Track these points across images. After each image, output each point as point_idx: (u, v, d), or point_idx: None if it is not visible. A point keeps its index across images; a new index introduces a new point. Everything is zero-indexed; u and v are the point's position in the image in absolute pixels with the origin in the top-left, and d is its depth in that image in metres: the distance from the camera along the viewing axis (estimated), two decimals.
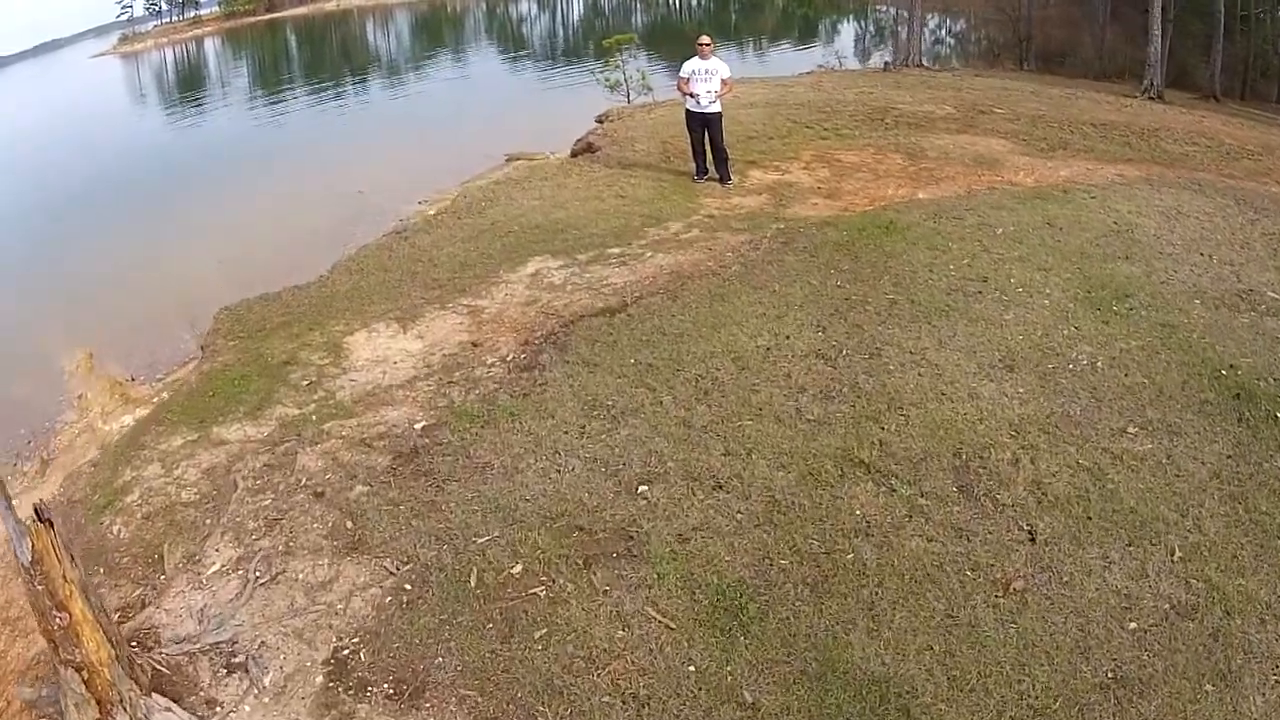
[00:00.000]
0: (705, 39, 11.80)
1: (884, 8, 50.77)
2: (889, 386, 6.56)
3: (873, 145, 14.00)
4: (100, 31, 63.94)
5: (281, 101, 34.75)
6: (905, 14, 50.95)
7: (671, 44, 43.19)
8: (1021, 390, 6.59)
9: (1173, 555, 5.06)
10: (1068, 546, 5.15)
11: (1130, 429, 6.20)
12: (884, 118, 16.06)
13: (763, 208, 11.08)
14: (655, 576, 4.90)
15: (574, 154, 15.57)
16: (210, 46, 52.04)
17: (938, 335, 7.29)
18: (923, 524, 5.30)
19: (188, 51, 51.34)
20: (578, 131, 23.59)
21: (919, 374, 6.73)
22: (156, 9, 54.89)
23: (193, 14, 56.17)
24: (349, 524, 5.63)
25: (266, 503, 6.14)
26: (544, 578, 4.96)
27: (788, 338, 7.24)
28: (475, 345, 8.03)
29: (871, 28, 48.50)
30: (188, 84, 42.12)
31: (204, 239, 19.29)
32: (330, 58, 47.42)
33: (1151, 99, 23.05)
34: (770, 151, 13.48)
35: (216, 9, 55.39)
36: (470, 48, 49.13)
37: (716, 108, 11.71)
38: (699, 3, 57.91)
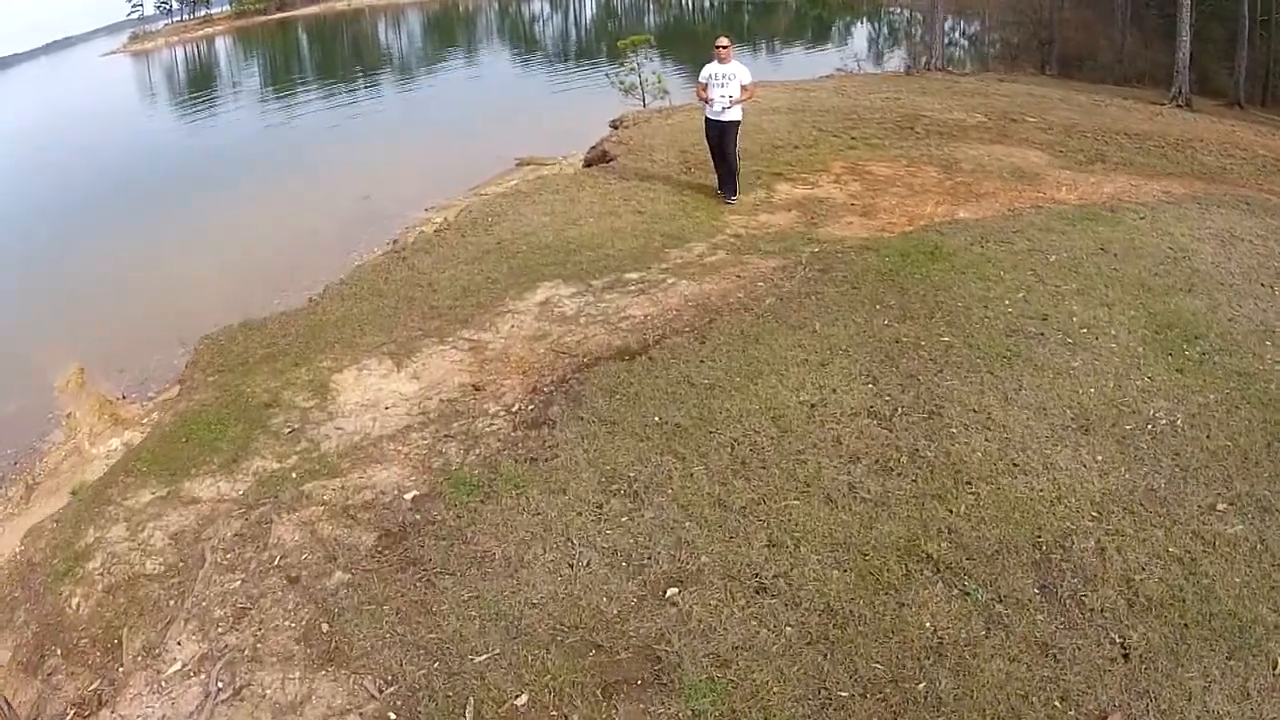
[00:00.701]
0: (723, 41, 10.81)
1: (897, 9, 49.75)
2: (953, 455, 5.57)
3: (905, 156, 12.99)
4: (112, 30, 63.14)
5: (291, 102, 33.88)
6: (921, 16, 50.11)
7: (686, 45, 42.25)
8: (1100, 458, 5.61)
9: (1275, 669, 4.18)
10: (1165, 664, 4.21)
11: (1219, 505, 5.27)
12: (914, 126, 15.06)
13: (793, 226, 10.09)
14: (690, 714, 3.93)
15: (588, 163, 14.60)
16: (221, 46, 51.13)
17: (1002, 388, 6.31)
18: (1003, 639, 4.33)
19: (198, 50, 50.46)
20: (591, 135, 22.66)
21: (986, 438, 5.75)
22: (167, 8, 54.10)
23: (203, 13, 55.23)
24: (325, 625, 4.69)
25: (235, 585, 5.22)
26: (555, 712, 4.00)
27: (834, 391, 6.26)
28: (477, 389, 7.07)
29: (885, 29, 47.40)
30: (197, 84, 41.28)
31: (205, 244, 18.60)
32: (341, 58, 46.51)
33: (1180, 106, 22.02)
34: (797, 163, 12.47)
35: (227, 8, 54.44)
36: (482, 47, 48.17)
37: (734, 115, 10.73)
38: (712, 3, 56.76)
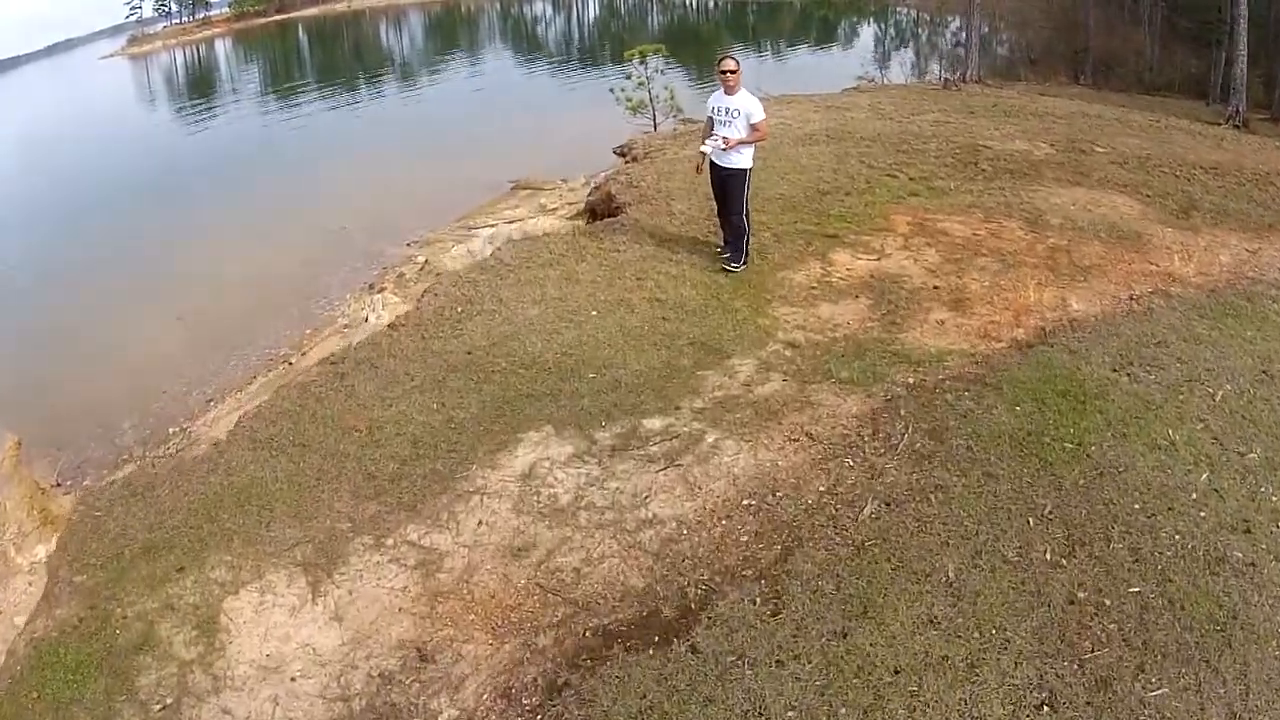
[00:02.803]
0: (728, 64, 7.80)
1: (904, 9, 46.57)
2: None
3: (978, 206, 9.96)
4: (115, 31, 59.38)
5: (281, 113, 30.70)
6: (928, 17, 46.84)
7: (692, 49, 38.93)
8: None
9: None
10: None
11: None
12: (976, 160, 11.99)
13: (866, 326, 7.09)
14: None
15: (590, 212, 11.53)
16: (219, 49, 47.61)
17: (1225, 695, 3.38)
18: None
19: (197, 54, 46.91)
20: (593, 153, 19.56)
21: None
22: (166, 10, 50.20)
23: (202, 14, 51.67)
24: None
25: None
26: None
27: None
28: (423, 656, 4.19)
29: (893, 30, 44.17)
30: (190, 91, 38.00)
31: (168, 283, 15.79)
32: (338, 64, 43.16)
33: (1237, 128, 19.00)
34: (853, 216, 9.43)
35: (226, 10, 50.84)
36: (484, 51, 44.80)
37: (738, 161, 7.83)
38: (716, 3, 53.24)
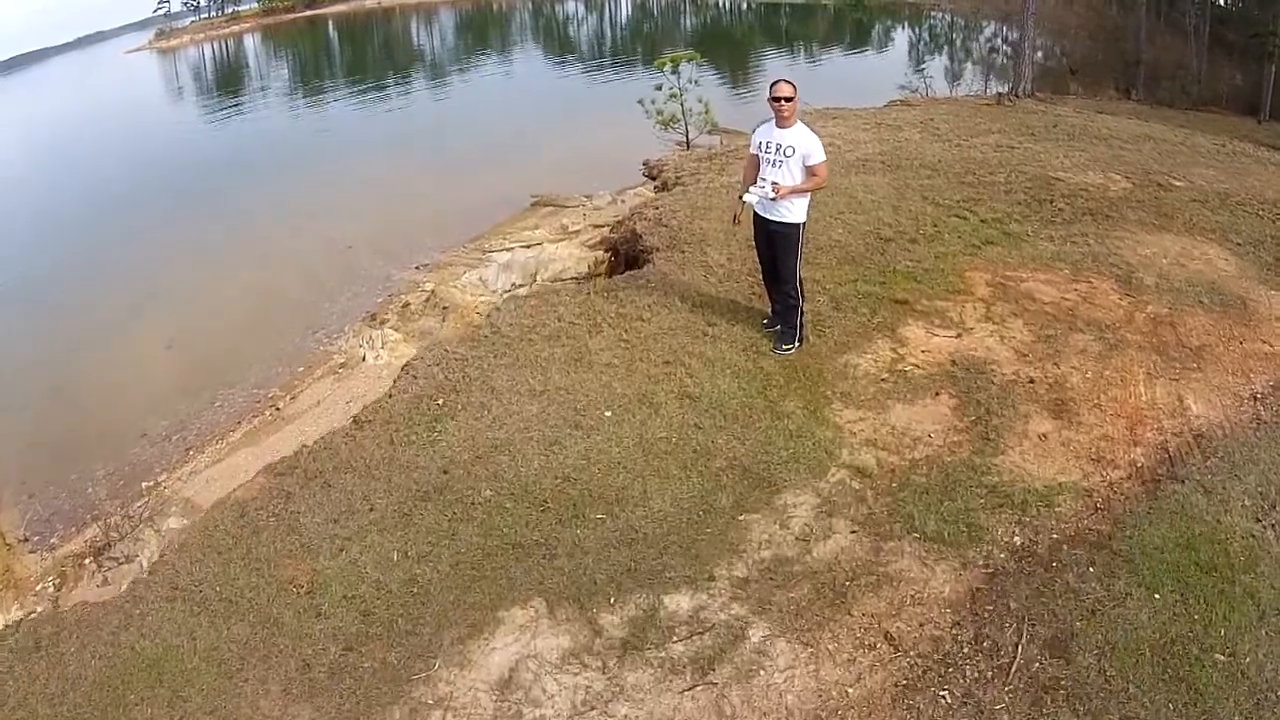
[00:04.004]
0: (784, 90, 6.00)
1: (938, 13, 44.35)
2: None
3: (1064, 260, 8.25)
4: (144, 25, 57.94)
5: (303, 114, 29.31)
6: (963, 21, 44.56)
7: (725, 51, 37.06)
8: None
9: None
10: None
11: None
12: (1051, 197, 10.23)
13: (953, 442, 5.40)
14: None
15: (612, 250, 9.85)
16: (247, 45, 46.29)
17: None
18: None
19: (225, 49, 45.65)
20: (620, 166, 17.83)
21: None
22: (194, 5, 48.68)
23: (231, 10, 50.34)
24: None
25: None
26: None
27: None
28: None
29: (927, 35, 42.03)
30: (213, 88, 36.69)
31: (163, 303, 14.50)
32: (365, 63, 41.69)
33: None
34: (923, 274, 7.74)
35: (255, 5, 49.27)
36: (514, 51, 43.10)
37: (789, 214, 6.12)
38: (749, 5, 51.14)
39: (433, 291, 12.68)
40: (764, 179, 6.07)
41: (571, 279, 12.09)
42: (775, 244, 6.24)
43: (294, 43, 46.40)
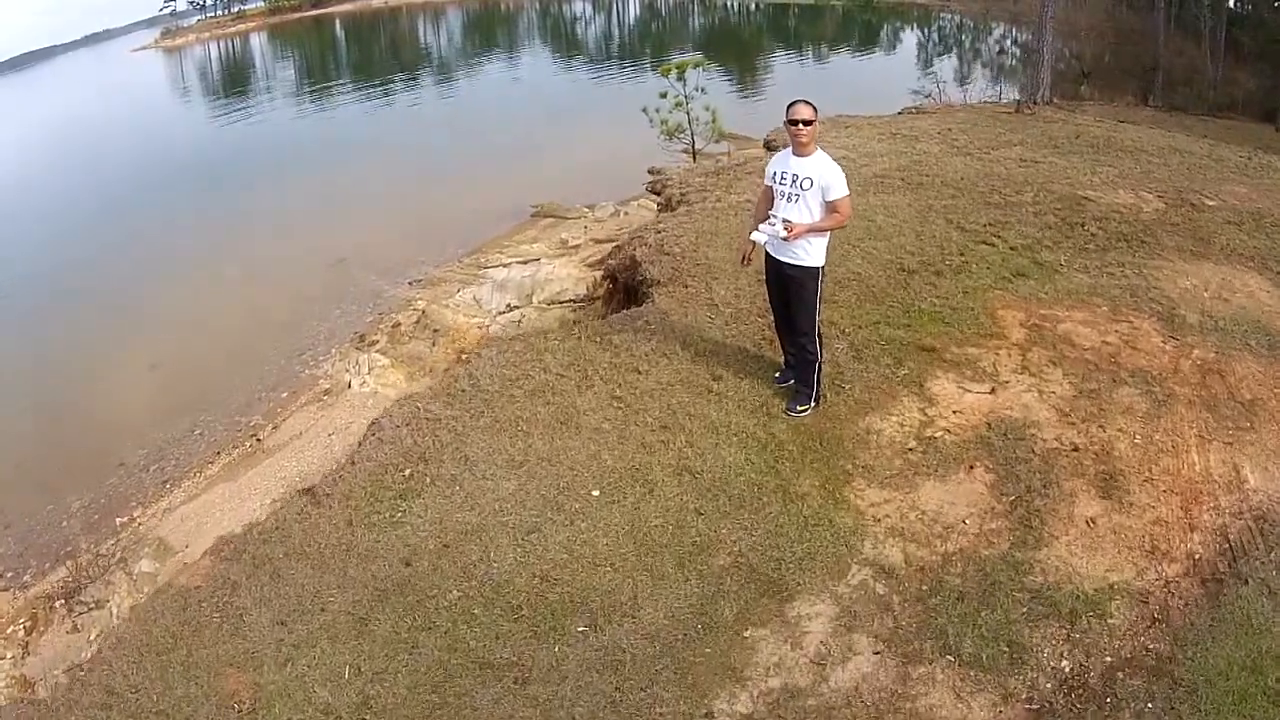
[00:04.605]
0: (803, 113, 5.13)
1: (947, 15, 43.40)
2: None
3: (1101, 294, 7.50)
4: (152, 23, 57.05)
5: (304, 116, 28.57)
6: (971, 23, 43.51)
7: (734, 51, 36.19)
8: None
9: None
10: None
11: None
12: (1082, 220, 9.43)
13: (990, 532, 4.67)
14: None
15: (610, 282, 9.10)
16: (253, 44, 45.45)
17: None
18: None
19: (231, 48, 44.84)
20: (624, 173, 17.06)
21: None
22: (200, 3, 47.78)
23: (237, 8, 49.55)
24: None
25: None
26: None
27: None
28: None
29: (936, 36, 41.10)
30: (216, 89, 35.91)
31: (148, 320, 14.03)
32: (369, 64, 40.90)
33: None
34: (951, 313, 6.97)
35: (261, 4, 48.32)
36: (521, 51, 42.28)
37: (806, 256, 5.29)
38: (758, 5, 50.15)
39: (424, 312, 11.94)
40: (775, 215, 5.24)
41: (569, 301, 11.36)
42: (789, 290, 5.43)
43: (299, 42, 45.53)
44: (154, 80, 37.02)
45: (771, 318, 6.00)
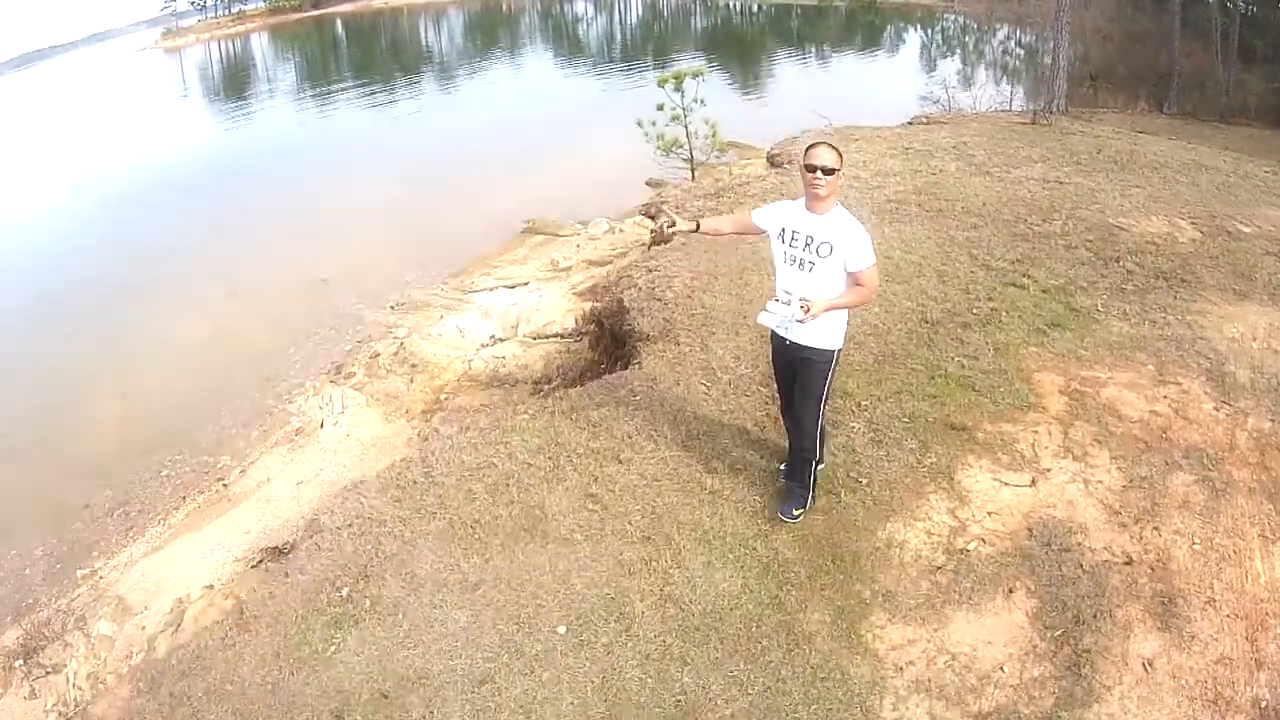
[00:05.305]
0: (825, 158, 4.09)
1: (951, 16, 42.36)
2: None
3: (1144, 347, 6.62)
4: (154, 23, 55.89)
5: (298, 120, 27.62)
6: (974, 24, 42.32)
7: (736, 53, 35.15)
8: None
9: None
10: None
11: None
12: (1117, 254, 8.56)
13: (1031, 683, 3.87)
14: None
15: (596, 323, 8.18)
16: (253, 45, 44.50)
17: None
18: None
19: (231, 49, 43.87)
20: (619, 186, 16.19)
21: None
22: (200, 4, 46.64)
23: (238, 8, 48.56)
24: None
25: None
26: None
27: None
28: None
29: (940, 38, 40.07)
30: (211, 91, 34.96)
31: (118, 344, 13.12)
32: (369, 66, 39.91)
33: None
34: (981, 379, 6.10)
35: (261, 4, 47.16)
36: (521, 53, 41.28)
37: (819, 337, 4.34)
38: (760, 6, 49.02)
39: (402, 343, 11.05)
40: (788, 292, 4.24)
41: (555, 335, 10.48)
42: (800, 372, 4.47)
43: (299, 43, 44.53)
44: (152, 81, 36.01)
45: (766, 383, 5.09)
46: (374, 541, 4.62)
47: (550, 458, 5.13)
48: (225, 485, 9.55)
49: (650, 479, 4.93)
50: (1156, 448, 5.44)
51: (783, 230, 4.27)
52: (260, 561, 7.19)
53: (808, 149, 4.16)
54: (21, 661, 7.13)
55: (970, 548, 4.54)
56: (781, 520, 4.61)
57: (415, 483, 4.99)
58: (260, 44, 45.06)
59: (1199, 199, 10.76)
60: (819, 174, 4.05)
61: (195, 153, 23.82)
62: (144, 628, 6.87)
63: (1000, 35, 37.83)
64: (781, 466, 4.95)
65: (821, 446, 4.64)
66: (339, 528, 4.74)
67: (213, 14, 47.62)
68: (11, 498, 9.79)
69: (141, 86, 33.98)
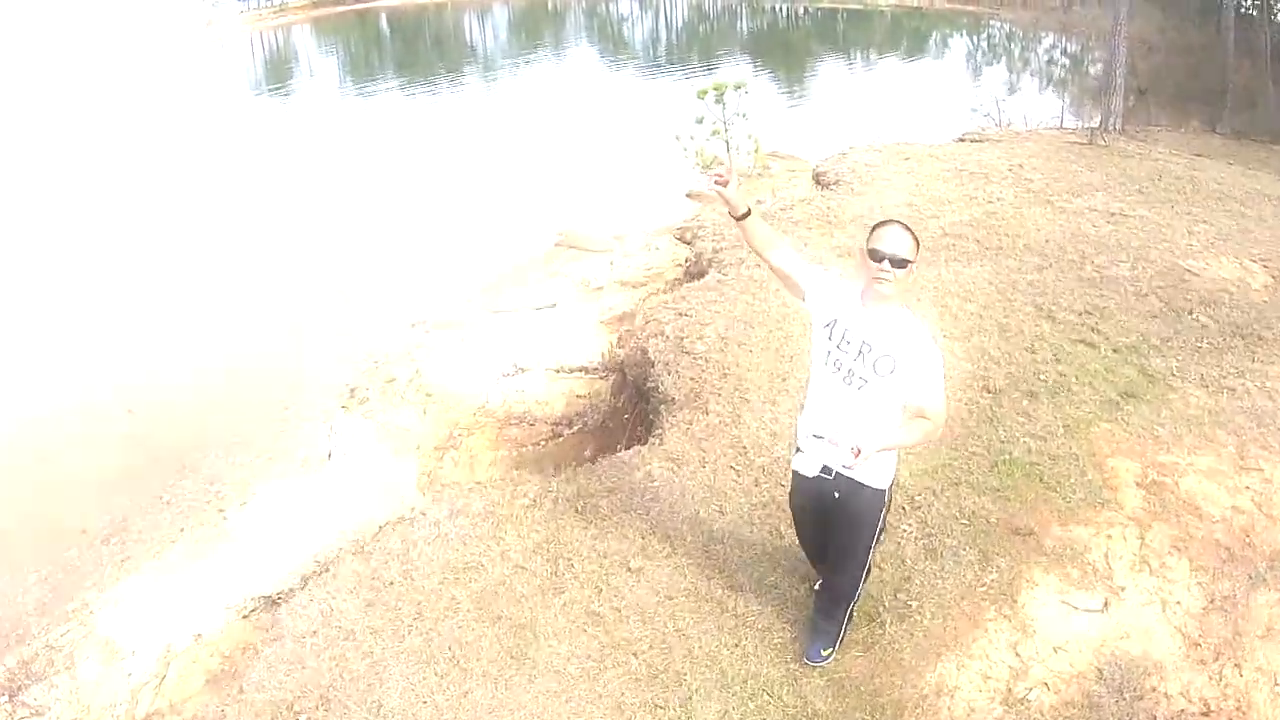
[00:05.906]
0: (899, 246, 3.08)
1: (996, 23, 40.99)
2: None
3: (1224, 424, 5.77)
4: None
5: (334, 114, 27.23)
6: (1020, 32, 40.79)
7: (780, 56, 34.15)
8: None
9: None
10: None
11: None
12: (1189, 305, 7.69)
13: None
14: None
15: (619, 372, 7.46)
16: (294, 37, 44.42)
17: None
18: None
19: (275, 40, 43.94)
20: (660, 198, 15.48)
21: None
22: None
23: (279, 1, 48.55)
24: None
25: None
26: None
27: None
28: None
29: (985, 45, 38.77)
30: (251, 81, 34.75)
31: (131, 356, 12.17)
32: (413, 60, 39.53)
33: None
34: (1049, 465, 5.30)
35: None
36: (565, 51, 40.67)
37: (869, 474, 3.28)
38: (806, 9, 47.85)
39: (419, 370, 10.44)
40: (834, 439, 3.27)
41: (579, 370, 9.78)
42: (837, 518, 3.55)
43: (343, 36, 44.41)
44: (189, 71, 36.04)
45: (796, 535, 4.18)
46: (339, 658, 3.95)
47: (549, 560, 4.41)
48: (224, 516, 9.04)
49: (664, 595, 4.19)
50: (1239, 554, 4.65)
51: (832, 323, 3.30)
52: (252, 611, 6.69)
53: (874, 228, 3.20)
54: (6, 699, 6.80)
55: (1031, 696, 3.75)
56: (809, 664, 3.84)
57: (391, 583, 4.31)
58: (302, 37, 45.01)
59: (1267, 237, 9.83)
60: (886, 264, 3.10)
61: (230, 144, 23.48)
62: (130, 674, 6.52)
63: (1045, 44, 36.55)
64: (815, 586, 4.17)
65: (862, 587, 3.85)
66: (301, 636, 4.08)
67: (255, 6, 47.61)
68: (8, 513, 9.39)
69: (179, 76, 34.04)
